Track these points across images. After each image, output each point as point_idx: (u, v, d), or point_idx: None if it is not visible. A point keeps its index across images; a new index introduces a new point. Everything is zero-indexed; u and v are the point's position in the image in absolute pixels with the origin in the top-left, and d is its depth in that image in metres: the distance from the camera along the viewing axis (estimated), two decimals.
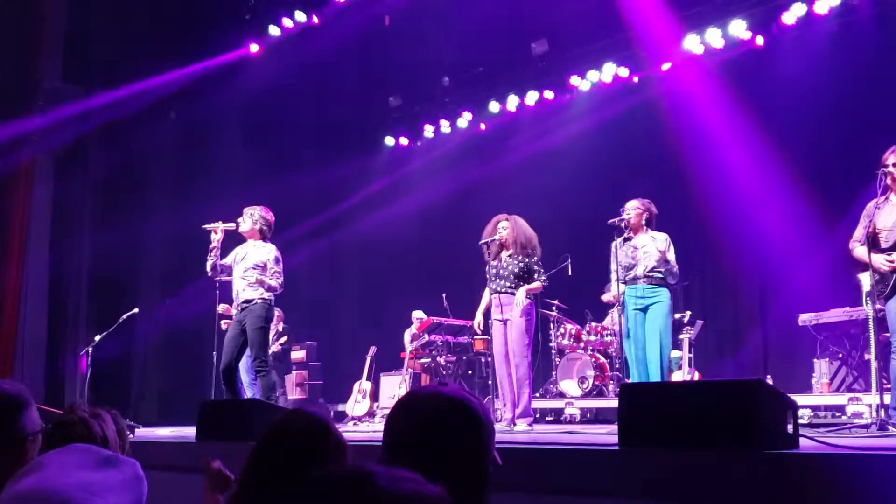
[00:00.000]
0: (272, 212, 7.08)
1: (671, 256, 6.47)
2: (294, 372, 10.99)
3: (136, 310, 9.07)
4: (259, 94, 11.23)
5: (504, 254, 6.76)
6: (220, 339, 7.68)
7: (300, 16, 10.91)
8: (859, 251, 5.25)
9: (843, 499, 2.80)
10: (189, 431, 6.20)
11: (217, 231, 6.85)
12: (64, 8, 10.55)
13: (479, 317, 7.05)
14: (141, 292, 10.47)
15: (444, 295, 10.16)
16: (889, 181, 5.15)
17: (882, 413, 4.74)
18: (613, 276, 6.54)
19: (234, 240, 7.18)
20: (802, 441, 3.29)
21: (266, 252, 6.84)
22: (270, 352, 10.08)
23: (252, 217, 6.92)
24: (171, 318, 10.63)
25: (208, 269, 6.90)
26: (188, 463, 4.65)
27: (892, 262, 5.04)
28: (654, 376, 6.23)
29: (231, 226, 6.91)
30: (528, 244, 6.71)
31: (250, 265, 6.76)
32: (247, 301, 6.73)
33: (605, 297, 9.01)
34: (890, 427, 4.61)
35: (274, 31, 11.07)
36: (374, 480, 1.02)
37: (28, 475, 1.67)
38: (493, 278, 6.72)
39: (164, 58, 10.46)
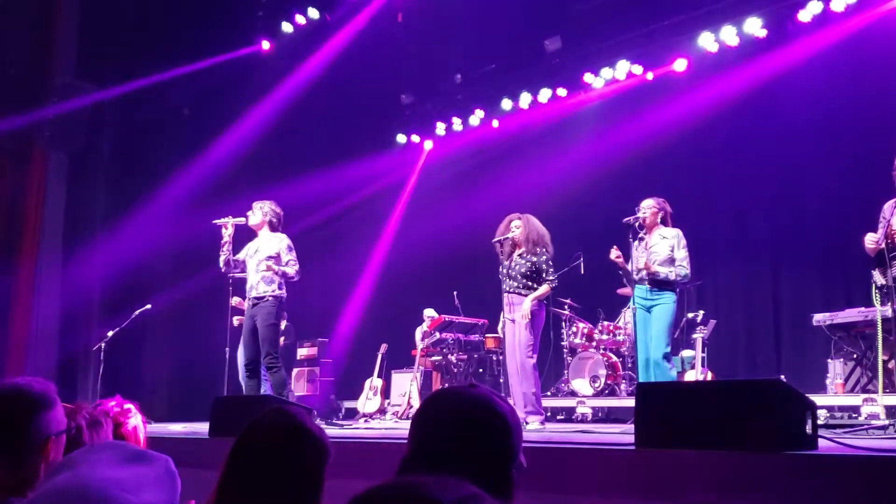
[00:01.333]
0: (282, 208, 7.09)
1: (679, 254, 6.41)
2: (302, 368, 11.00)
3: (148, 305, 9.11)
4: (272, 91, 11.22)
5: (515, 254, 6.75)
6: (232, 333, 7.71)
7: (313, 13, 10.92)
8: (867, 238, 5.22)
9: (863, 501, 2.77)
10: (202, 427, 6.21)
11: (228, 226, 6.86)
12: (77, 3, 10.58)
13: (501, 318, 7.02)
14: (154, 288, 10.47)
15: (455, 293, 10.14)
16: None
17: None
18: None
19: (246, 236, 7.19)
20: (821, 442, 3.26)
21: (278, 242, 6.86)
22: None
23: (262, 210, 6.93)
24: (184, 313, 10.66)
25: (221, 264, 6.91)
26: (201, 459, 4.64)
27: (876, 242, 5.03)
28: (652, 377, 6.19)
29: (241, 220, 6.92)
30: (540, 242, 6.70)
31: (263, 257, 6.78)
32: (258, 297, 6.75)
33: (621, 290, 8.94)
34: None
35: (287, 27, 11.08)
36: (425, 492, 1.00)
37: (60, 472, 1.66)
38: (504, 278, 6.72)
39: (177, 54, 10.48)
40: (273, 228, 6.96)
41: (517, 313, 6.55)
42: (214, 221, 6.94)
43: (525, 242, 6.69)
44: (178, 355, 11.08)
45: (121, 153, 10.93)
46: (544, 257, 6.67)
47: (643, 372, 6.38)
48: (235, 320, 7.93)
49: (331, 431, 6.46)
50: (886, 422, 5.12)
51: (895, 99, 8.59)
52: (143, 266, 10.66)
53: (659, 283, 6.38)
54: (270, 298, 6.73)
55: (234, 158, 11.34)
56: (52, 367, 10.05)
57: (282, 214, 7.05)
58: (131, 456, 1.74)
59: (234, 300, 7.75)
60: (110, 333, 8.82)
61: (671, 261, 6.39)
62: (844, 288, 8.83)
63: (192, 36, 10.68)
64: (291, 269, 6.80)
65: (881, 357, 6.97)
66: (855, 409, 7.12)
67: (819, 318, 8.20)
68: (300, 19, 11.01)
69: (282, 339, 10.01)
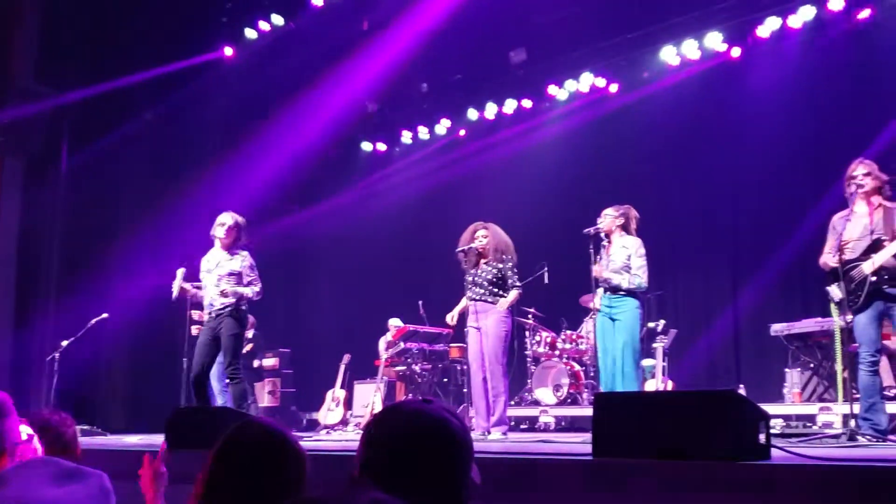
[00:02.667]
0: (245, 217, 6.97)
1: (635, 262, 6.37)
2: (266, 380, 10.89)
3: (105, 315, 8.95)
4: (235, 98, 11.13)
5: (482, 262, 6.77)
6: (191, 345, 7.57)
7: (277, 19, 10.85)
8: (824, 259, 5.31)
9: None
10: (158, 439, 6.10)
11: (190, 288, 6.80)
12: (38, 7, 10.41)
13: (454, 311, 7.03)
14: (111, 298, 10.30)
15: (420, 303, 10.12)
16: (858, 192, 5.21)
17: (852, 423, 4.77)
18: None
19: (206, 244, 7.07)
20: (774, 452, 3.30)
21: (239, 260, 6.70)
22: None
23: (226, 225, 6.76)
24: (142, 324, 10.50)
25: (173, 297, 6.81)
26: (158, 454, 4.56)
27: (836, 263, 5.12)
28: (620, 386, 6.22)
29: (188, 287, 6.82)
30: (506, 251, 6.74)
31: (224, 273, 6.62)
32: (221, 308, 6.59)
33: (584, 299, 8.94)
34: (860, 437, 4.65)
35: (250, 34, 11.00)
36: None
37: None
38: (470, 286, 6.72)
39: (139, 59, 10.35)
40: (236, 243, 6.80)
41: (486, 320, 6.55)
42: (174, 297, 6.82)
43: (490, 252, 6.71)
44: (135, 365, 10.90)
45: (80, 159, 10.72)
46: (510, 264, 6.70)
47: (607, 380, 6.38)
48: (194, 329, 7.81)
49: None
50: (839, 431, 5.19)
51: (849, 113, 8.78)
52: (101, 275, 10.48)
53: (616, 291, 6.40)
54: (234, 309, 6.59)
55: (196, 164, 11.23)
56: (4, 378, 9.82)
57: (245, 226, 6.88)
58: (65, 473, 1.70)
59: (194, 313, 7.63)
60: (65, 343, 8.65)
61: (626, 268, 6.40)
62: (802, 298, 8.98)
63: (155, 41, 10.56)
64: (251, 291, 6.62)
65: (840, 367, 7.08)
66: (811, 418, 7.22)
67: (777, 327, 8.32)
68: (264, 26, 10.94)
69: (249, 346, 9.93)
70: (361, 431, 1.69)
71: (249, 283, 6.64)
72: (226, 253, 6.71)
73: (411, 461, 1.56)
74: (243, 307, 6.67)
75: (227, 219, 6.76)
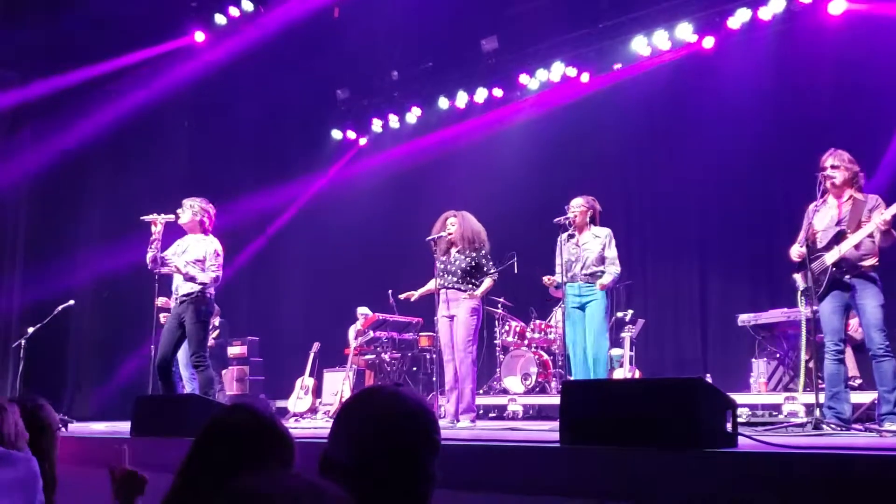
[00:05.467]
0: (213, 203, 6.91)
1: (610, 253, 6.55)
2: (233, 367, 10.82)
3: (71, 302, 8.83)
4: (204, 84, 10.99)
5: (453, 250, 6.76)
6: (158, 332, 7.49)
7: (247, 5, 10.72)
8: (792, 250, 5.37)
9: (780, 497, 2.82)
10: (124, 426, 6.04)
11: (157, 223, 6.65)
12: None
13: (417, 292, 7.09)
14: (77, 284, 10.15)
15: (390, 291, 10.08)
16: (827, 184, 5.26)
17: (817, 412, 4.83)
18: (558, 271, 6.60)
19: (177, 233, 6.99)
20: (741, 440, 3.32)
21: (205, 245, 6.66)
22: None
23: (192, 209, 6.72)
24: (108, 311, 10.37)
25: (148, 260, 6.68)
26: (122, 459, 4.51)
27: (801, 254, 5.19)
28: (592, 374, 6.29)
29: (170, 217, 6.71)
30: (476, 238, 6.74)
31: (191, 259, 6.60)
32: (186, 295, 6.56)
33: (546, 279, 8.93)
34: (825, 426, 4.71)
35: (220, 19, 10.87)
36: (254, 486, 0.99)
37: None
38: (442, 274, 6.71)
39: (106, 42, 10.17)
40: (203, 228, 6.76)
41: (458, 308, 6.55)
42: (142, 218, 6.71)
43: (461, 240, 6.71)
44: (103, 353, 10.77)
45: (44, 146, 10.53)
46: (483, 251, 6.72)
47: (578, 369, 6.43)
48: (162, 317, 7.73)
49: None
50: (804, 419, 5.25)
51: (820, 105, 8.87)
52: (67, 262, 10.33)
53: (594, 280, 6.47)
54: (199, 296, 6.55)
55: (163, 151, 11.09)
56: None
57: (213, 213, 6.85)
58: None
59: (160, 300, 7.55)
60: (31, 330, 8.51)
61: (602, 259, 6.50)
62: (768, 289, 9.07)
63: (122, 24, 10.36)
64: (208, 277, 6.56)
65: (804, 357, 7.18)
66: (776, 408, 7.31)
67: (744, 318, 8.40)
68: (234, 11, 10.80)
69: (215, 333, 9.84)
70: (335, 417, 1.66)
71: (208, 269, 6.59)
72: (193, 238, 6.69)
73: (383, 444, 1.55)
74: (208, 294, 6.62)
75: (193, 203, 6.72)
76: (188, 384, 7.48)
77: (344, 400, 1.81)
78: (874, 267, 5.15)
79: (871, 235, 5.09)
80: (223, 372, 10.31)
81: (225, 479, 1.88)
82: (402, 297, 7.22)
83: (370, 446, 1.55)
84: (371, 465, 1.54)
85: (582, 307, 6.52)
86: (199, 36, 10.90)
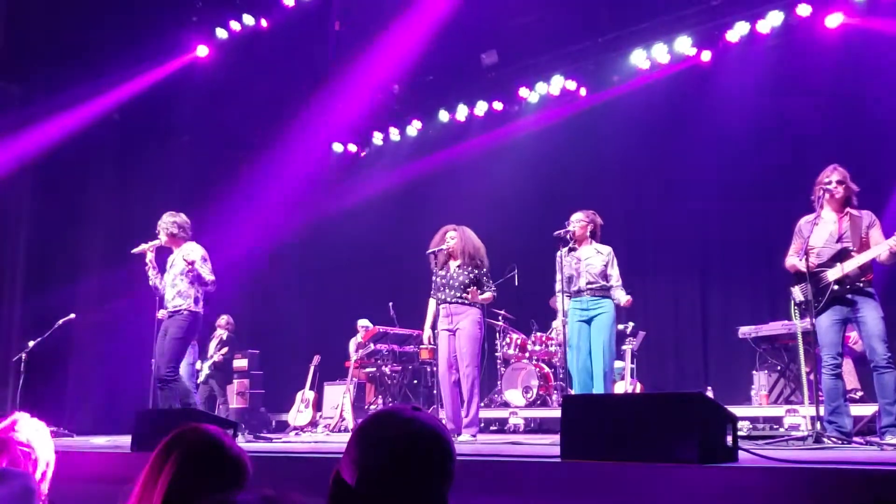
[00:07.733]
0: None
1: (613, 271, 6.53)
2: (236, 381, 10.81)
3: (72, 315, 8.84)
4: (205, 98, 11.02)
5: (452, 264, 6.74)
6: None
7: (248, 19, 10.76)
8: (790, 261, 5.38)
9: None
10: (125, 440, 6.03)
11: (147, 252, 6.75)
12: (2, 5, 10.22)
13: (427, 330, 6.97)
14: (79, 298, 10.15)
15: (390, 304, 10.10)
16: (827, 198, 5.28)
17: (818, 425, 4.82)
18: (558, 286, 6.57)
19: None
20: (741, 454, 3.32)
21: (188, 252, 6.69)
22: (212, 361, 9.93)
23: (164, 228, 6.81)
24: (110, 325, 10.36)
25: (151, 287, 6.83)
26: (122, 473, 4.51)
27: (810, 266, 5.19)
28: (599, 388, 6.26)
29: (157, 242, 6.79)
30: (477, 255, 6.72)
31: (178, 271, 6.68)
32: (174, 310, 6.65)
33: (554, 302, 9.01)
34: (826, 439, 4.70)
35: (221, 34, 10.91)
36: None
37: None
38: (441, 288, 6.69)
39: (108, 57, 10.19)
40: (182, 239, 6.83)
41: (461, 321, 6.52)
42: (133, 251, 6.81)
43: (461, 254, 6.69)
44: (104, 367, 10.76)
45: (46, 160, 10.56)
46: (484, 269, 6.72)
47: (582, 383, 6.39)
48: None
49: (258, 445, 6.37)
50: (805, 433, 5.25)
51: (818, 118, 8.90)
52: (68, 276, 10.33)
53: (599, 293, 6.45)
54: (185, 312, 6.61)
55: (165, 165, 11.11)
56: None
57: (181, 221, 6.87)
58: None
59: (161, 313, 7.58)
60: (31, 344, 8.53)
61: (605, 275, 6.49)
62: (769, 301, 9.07)
63: (124, 39, 10.40)
64: (207, 277, 6.65)
65: (804, 369, 7.17)
66: (778, 420, 7.30)
67: (744, 330, 8.40)
68: (235, 26, 10.85)
69: (224, 349, 9.86)
70: (350, 436, 1.65)
71: (202, 275, 6.66)
72: (179, 252, 6.77)
73: (396, 469, 1.53)
74: (197, 313, 6.65)
75: (162, 222, 6.83)
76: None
77: (360, 420, 1.79)
78: (870, 281, 5.18)
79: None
80: (227, 387, 10.32)
81: (173, 499, 1.90)
82: (425, 340, 7.12)
83: (383, 471, 1.53)
84: (383, 492, 1.52)
85: (588, 321, 6.47)
86: (203, 50, 10.93)
